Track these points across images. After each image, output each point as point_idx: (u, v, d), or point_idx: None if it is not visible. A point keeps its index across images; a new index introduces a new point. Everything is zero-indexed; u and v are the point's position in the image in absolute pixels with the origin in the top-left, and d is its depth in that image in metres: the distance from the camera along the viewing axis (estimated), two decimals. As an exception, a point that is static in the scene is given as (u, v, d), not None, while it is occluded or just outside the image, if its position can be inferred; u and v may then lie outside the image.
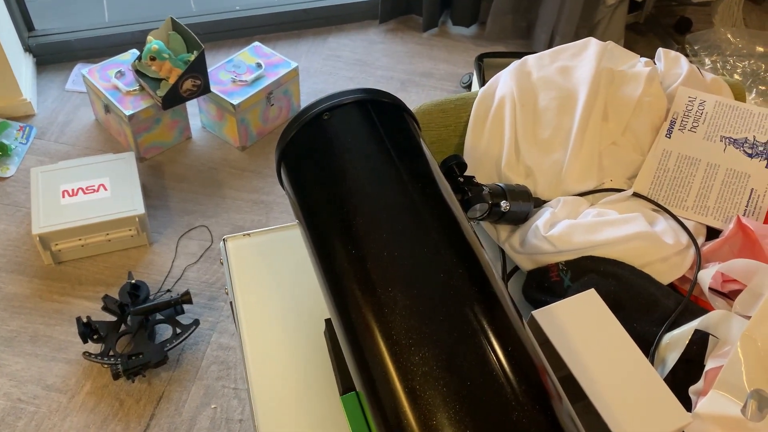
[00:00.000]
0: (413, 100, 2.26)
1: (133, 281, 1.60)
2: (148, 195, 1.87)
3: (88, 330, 1.49)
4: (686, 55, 2.26)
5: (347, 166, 0.72)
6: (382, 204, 0.69)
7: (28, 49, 2.20)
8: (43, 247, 1.65)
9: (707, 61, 2.16)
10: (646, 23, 2.53)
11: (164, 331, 1.59)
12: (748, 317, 0.70)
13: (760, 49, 2.21)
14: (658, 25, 2.52)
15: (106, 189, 1.73)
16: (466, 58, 2.43)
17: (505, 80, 0.97)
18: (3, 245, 1.73)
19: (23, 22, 2.18)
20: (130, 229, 1.70)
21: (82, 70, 1.98)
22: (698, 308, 0.77)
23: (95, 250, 1.73)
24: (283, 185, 0.81)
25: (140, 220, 1.69)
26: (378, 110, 0.78)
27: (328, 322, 0.76)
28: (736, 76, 2.12)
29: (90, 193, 1.72)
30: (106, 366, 1.50)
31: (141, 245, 1.76)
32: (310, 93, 2.24)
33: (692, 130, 0.92)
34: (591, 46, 0.98)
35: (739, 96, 1.01)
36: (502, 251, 0.90)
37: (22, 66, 2.10)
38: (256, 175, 1.97)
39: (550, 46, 2.28)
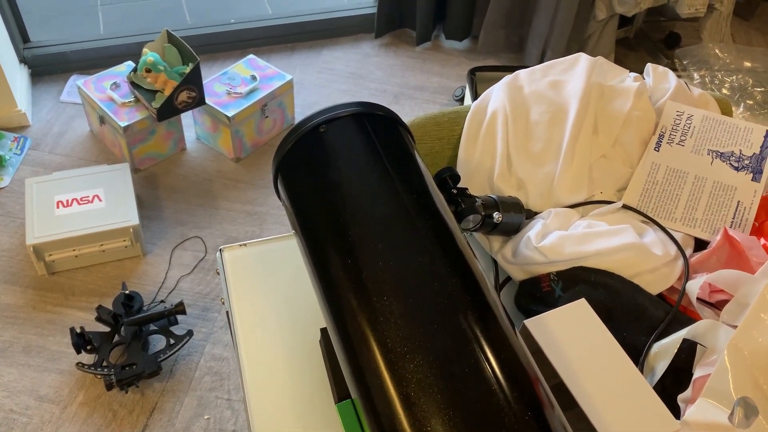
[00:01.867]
0: (406, 113, 2.28)
1: (126, 292, 1.60)
2: (142, 206, 1.88)
3: (81, 340, 1.49)
4: (675, 70, 2.29)
5: (343, 178, 0.74)
6: (378, 215, 0.70)
7: (23, 60, 2.21)
8: (36, 258, 1.65)
9: (696, 75, 2.19)
10: (636, 38, 2.56)
11: (158, 342, 1.59)
12: (735, 327, 0.72)
13: (747, 64, 2.25)
14: (648, 40, 2.56)
15: (100, 200, 1.74)
16: (459, 72, 2.45)
17: (497, 94, 0.99)
18: (-4, 256, 1.74)
19: (19, 33, 2.19)
20: (124, 240, 1.71)
21: (77, 81, 1.99)
22: (686, 318, 0.79)
23: (89, 261, 1.73)
24: (279, 196, 0.82)
25: (134, 231, 1.70)
26: (373, 123, 0.79)
27: (323, 331, 0.77)
28: (725, 91, 2.16)
29: (84, 204, 1.72)
30: (99, 377, 1.50)
31: (135, 256, 1.77)
32: (304, 105, 2.26)
33: (680, 143, 0.94)
34: (581, 61, 1.00)
35: (726, 111, 1.03)
36: (495, 262, 0.91)
37: (17, 77, 2.11)
38: (250, 187, 1.98)
39: (541, 60, 2.31)
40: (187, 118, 2.08)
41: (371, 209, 0.71)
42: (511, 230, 0.87)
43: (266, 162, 2.06)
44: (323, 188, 0.74)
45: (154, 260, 1.77)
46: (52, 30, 2.43)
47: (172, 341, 1.54)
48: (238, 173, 2.02)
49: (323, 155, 0.76)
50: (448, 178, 0.85)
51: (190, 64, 1.85)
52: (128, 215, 1.71)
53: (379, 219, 0.70)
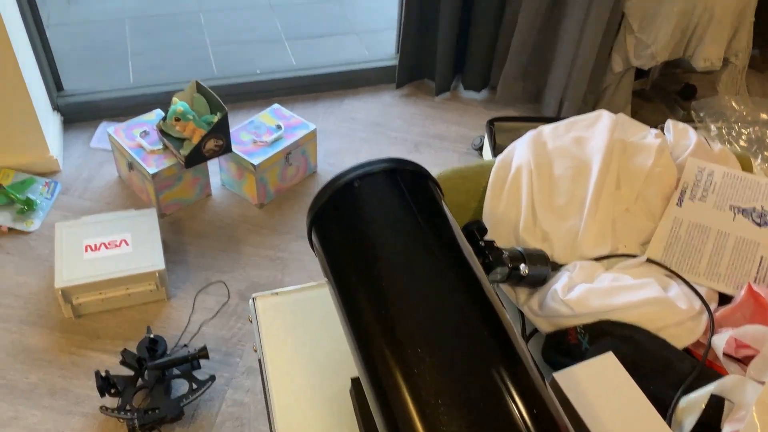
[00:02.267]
0: (426, 161, 2.32)
1: (151, 336, 1.62)
2: (167, 250, 1.91)
3: (106, 384, 1.51)
4: (692, 121, 2.33)
5: (376, 231, 0.76)
6: (410, 267, 0.72)
7: (56, 108, 2.28)
8: (64, 301, 1.68)
9: (713, 127, 2.22)
10: (653, 89, 2.61)
11: (180, 386, 1.60)
12: (763, 382, 0.72)
13: (764, 116, 2.28)
14: (664, 92, 2.60)
15: (127, 244, 1.78)
16: (478, 121, 2.50)
17: (521, 149, 1.02)
18: (25, 298, 1.77)
19: (53, 82, 2.27)
20: (150, 285, 1.74)
21: (108, 128, 2.05)
22: (713, 373, 0.80)
23: (115, 304, 1.76)
24: (313, 248, 0.85)
25: (160, 275, 1.73)
26: (404, 178, 0.82)
27: (354, 381, 0.79)
28: (742, 143, 2.18)
29: (112, 248, 1.76)
30: (122, 420, 1.51)
31: (159, 300, 1.79)
32: (326, 153, 2.31)
33: (702, 199, 0.96)
34: (603, 118, 1.03)
35: (746, 167, 1.05)
36: (521, 313, 0.93)
37: (50, 124, 2.18)
38: (272, 232, 2.01)
39: (559, 111, 2.35)
40: (213, 165, 2.13)
41: (404, 262, 0.73)
42: (537, 282, 0.89)
43: (289, 208, 2.10)
44: (357, 241, 0.76)
45: (178, 304, 1.80)
46: (84, 79, 2.51)
47: (194, 386, 1.56)
48: (262, 219, 2.05)
49: (357, 209, 0.79)
50: (475, 230, 0.87)
51: (218, 114, 1.91)
52: (155, 260, 1.74)
53: (412, 271, 0.72)
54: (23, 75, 1.93)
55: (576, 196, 0.96)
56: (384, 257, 0.74)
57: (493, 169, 1.02)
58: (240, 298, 1.83)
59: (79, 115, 2.32)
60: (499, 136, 2.21)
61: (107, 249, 1.76)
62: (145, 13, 2.96)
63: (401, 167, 0.83)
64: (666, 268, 0.92)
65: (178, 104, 1.92)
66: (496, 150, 2.17)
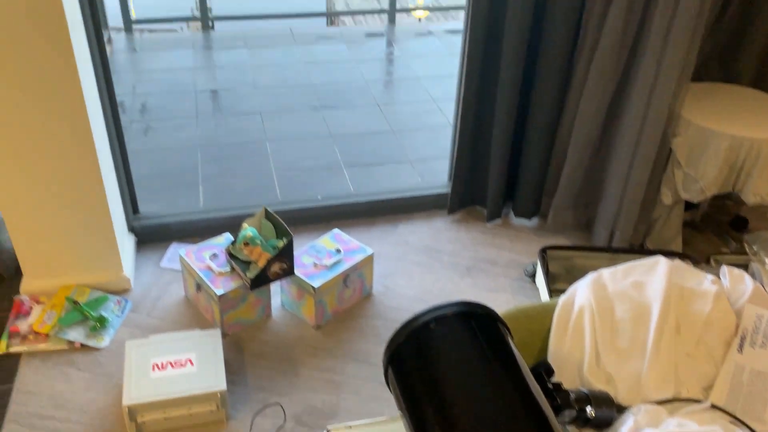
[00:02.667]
0: (479, 286, 2.37)
1: (211, 458, 1.65)
2: (227, 370, 1.97)
3: (165, 506, 1.53)
4: (744, 254, 2.34)
5: (452, 373, 0.81)
6: (486, 410, 0.77)
7: (131, 229, 2.45)
8: (129, 419, 1.74)
9: (767, 261, 2.23)
10: (703, 220, 2.65)
11: None
12: None
13: (818, 249, 2.28)
14: (715, 223, 2.64)
15: (192, 364, 1.85)
16: (529, 248, 2.57)
17: (582, 291, 1.08)
18: (92, 414, 1.84)
19: (131, 205, 2.45)
20: (211, 405, 1.79)
21: (179, 250, 2.18)
22: None
23: (176, 424, 1.80)
24: (388, 383, 0.90)
25: (222, 396, 1.78)
26: (476, 320, 0.89)
27: None
28: (797, 277, 2.18)
29: (178, 368, 1.83)
30: None
31: (218, 420, 1.83)
32: (381, 275, 2.39)
33: (762, 346, 0.99)
34: (661, 263, 1.09)
35: (805, 313, 1.08)
36: (588, 456, 0.95)
37: (125, 245, 2.34)
38: (328, 355, 2.06)
39: (610, 241, 2.41)
40: (274, 287, 2.23)
41: (479, 404, 0.78)
42: (603, 424, 0.92)
43: (344, 330, 2.16)
44: (433, 382, 0.81)
45: (236, 426, 1.83)
46: (157, 201, 2.70)
47: None
48: (318, 340, 2.11)
49: (433, 350, 0.85)
50: (543, 372, 0.92)
51: (284, 239, 2.03)
52: (217, 381, 1.80)
53: (487, 414, 0.77)
54: (107, 200, 2.10)
55: (638, 339, 1.00)
56: (460, 399, 0.79)
57: (557, 311, 1.07)
58: (295, 422, 1.85)
59: (151, 236, 2.48)
60: (552, 264, 2.26)
61: (173, 368, 1.83)
62: (215, 142, 3.20)
63: (473, 310, 0.90)
64: (731, 415, 0.94)
65: (248, 229, 2.04)
66: (549, 277, 2.22)
